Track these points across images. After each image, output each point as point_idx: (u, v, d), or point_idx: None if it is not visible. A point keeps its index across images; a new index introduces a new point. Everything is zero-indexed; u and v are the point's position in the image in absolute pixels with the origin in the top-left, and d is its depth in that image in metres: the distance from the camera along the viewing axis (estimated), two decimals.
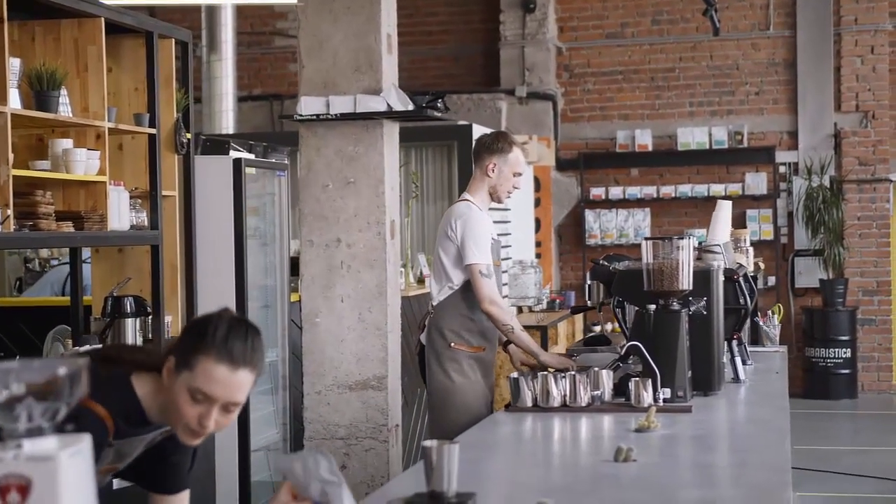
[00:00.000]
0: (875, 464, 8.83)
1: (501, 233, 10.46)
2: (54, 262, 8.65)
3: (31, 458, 1.76)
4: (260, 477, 6.65)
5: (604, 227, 12.69)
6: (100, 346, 5.03)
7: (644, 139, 12.61)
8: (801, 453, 8.97)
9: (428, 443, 2.66)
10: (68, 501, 1.76)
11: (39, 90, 4.87)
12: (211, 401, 2.47)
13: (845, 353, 11.95)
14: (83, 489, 1.81)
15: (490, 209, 5.31)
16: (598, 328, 11.93)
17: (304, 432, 5.54)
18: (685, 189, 12.48)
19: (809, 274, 12.30)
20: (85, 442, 1.83)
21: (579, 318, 11.16)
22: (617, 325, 12.07)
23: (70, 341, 5.55)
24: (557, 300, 11.07)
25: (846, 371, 11.99)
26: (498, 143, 5.26)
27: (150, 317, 5.64)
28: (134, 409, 2.56)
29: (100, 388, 2.35)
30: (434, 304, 5.23)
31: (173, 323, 5.88)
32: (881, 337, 12.33)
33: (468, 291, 5.11)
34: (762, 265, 10.03)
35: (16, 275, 9.08)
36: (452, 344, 5.12)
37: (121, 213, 5.33)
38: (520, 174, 5.28)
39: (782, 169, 12.45)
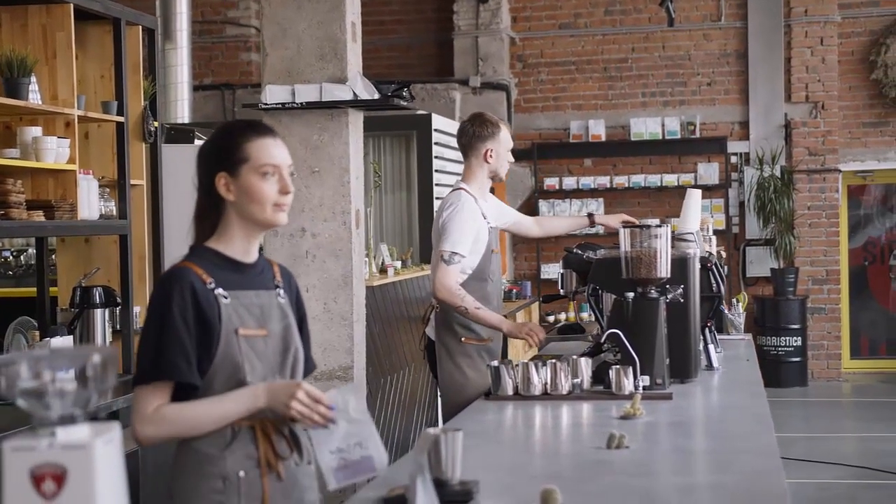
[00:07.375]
0: (826, 450, 8.96)
1: None
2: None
3: (65, 447, 1.74)
4: None
5: None
6: None
7: (597, 129, 12.66)
8: None
9: (432, 430, 2.66)
10: (103, 489, 1.75)
11: (10, 77, 4.80)
12: (276, 168, 2.82)
13: (796, 341, 12.11)
14: (117, 476, 1.79)
15: None
16: (563, 316, 11.99)
17: None
18: (638, 179, 12.54)
19: (760, 263, 12.43)
20: (115, 430, 1.81)
21: (535, 307, 11.21)
22: (574, 314, 12.09)
23: (37, 333, 5.47)
24: (514, 290, 11.11)
25: (797, 359, 12.14)
26: (487, 128, 5.28)
27: (118, 307, 5.57)
28: (215, 255, 2.83)
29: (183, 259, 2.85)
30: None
31: (142, 314, 5.82)
32: (830, 325, 12.50)
33: (473, 283, 5.06)
34: (724, 253, 10.12)
35: None
36: (463, 339, 5.09)
37: (90, 202, 5.26)
38: (511, 147, 5.41)
39: (734, 159, 12.57)
